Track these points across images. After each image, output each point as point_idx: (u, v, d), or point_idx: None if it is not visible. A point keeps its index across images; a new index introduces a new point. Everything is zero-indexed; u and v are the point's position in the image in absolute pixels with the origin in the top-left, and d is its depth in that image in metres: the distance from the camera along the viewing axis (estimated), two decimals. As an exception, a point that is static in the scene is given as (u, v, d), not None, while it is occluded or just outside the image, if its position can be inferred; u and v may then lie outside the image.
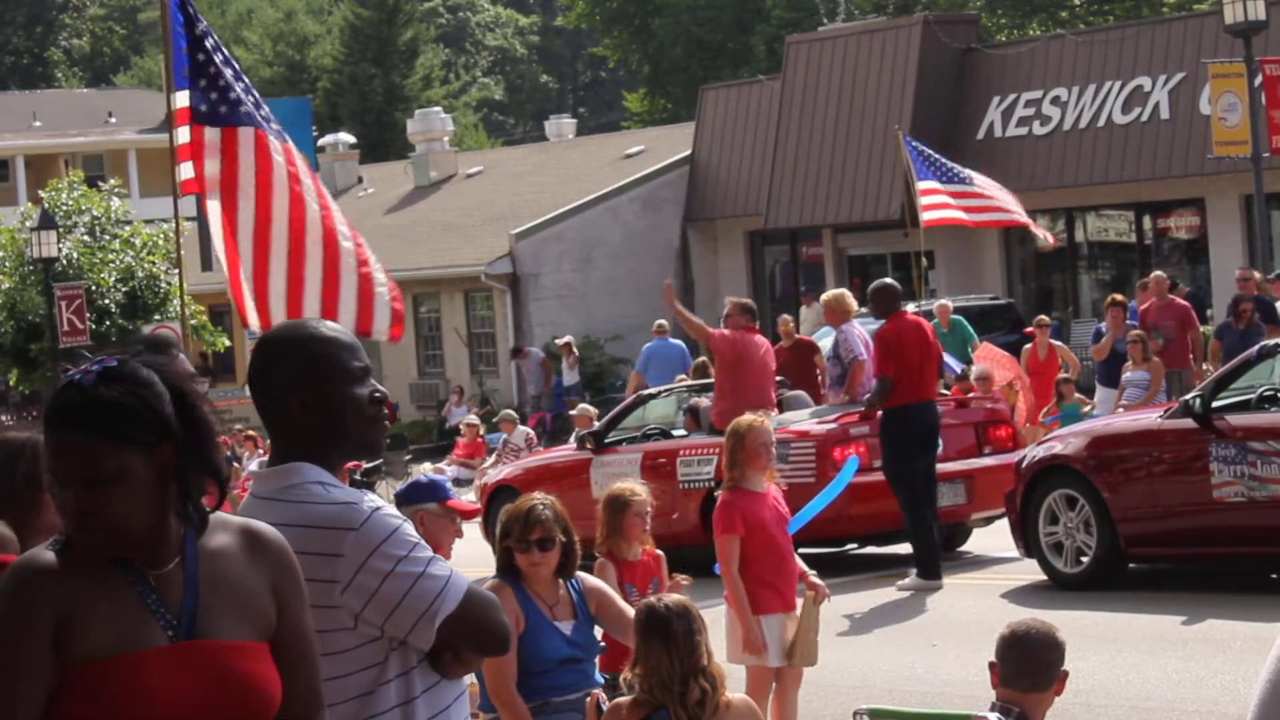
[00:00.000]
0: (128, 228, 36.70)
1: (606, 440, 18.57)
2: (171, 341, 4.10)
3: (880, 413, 15.81)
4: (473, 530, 17.10)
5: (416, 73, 70.83)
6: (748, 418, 10.08)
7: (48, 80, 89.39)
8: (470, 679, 5.48)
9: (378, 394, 4.27)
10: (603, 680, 7.52)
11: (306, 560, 3.83)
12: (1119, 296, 24.14)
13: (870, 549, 17.66)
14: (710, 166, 40.55)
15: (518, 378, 39.08)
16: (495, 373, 40.73)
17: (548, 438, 31.57)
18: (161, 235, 36.20)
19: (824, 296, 19.72)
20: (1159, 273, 24.66)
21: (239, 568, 3.62)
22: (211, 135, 11.18)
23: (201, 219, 11.37)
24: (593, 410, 24.96)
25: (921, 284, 28.65)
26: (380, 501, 4.20)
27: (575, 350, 35.21)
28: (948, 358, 22.12)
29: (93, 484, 3.45)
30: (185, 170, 11.32)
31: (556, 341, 36.05)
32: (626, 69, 70.86)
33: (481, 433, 30.41)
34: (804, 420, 17.10)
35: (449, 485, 7.74)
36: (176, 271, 28.07)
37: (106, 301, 35.28)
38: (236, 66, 11.47)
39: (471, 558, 12.82)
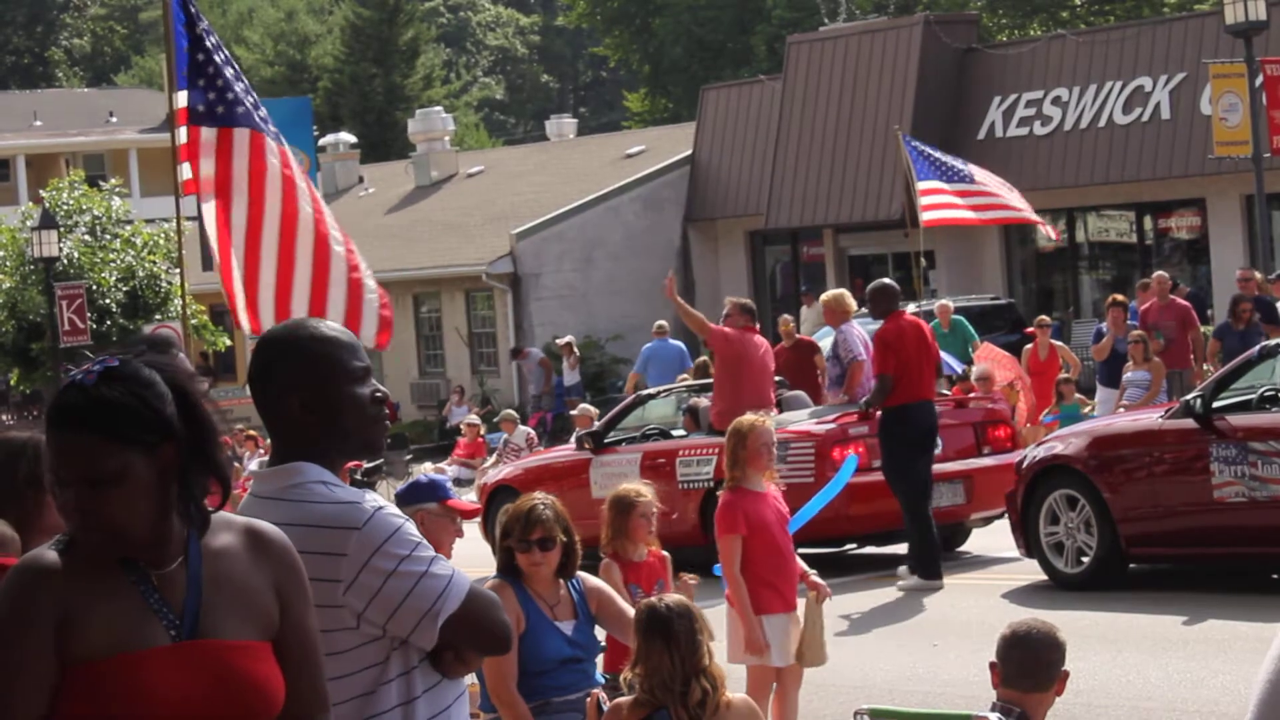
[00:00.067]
0: (128, 227, 36.71)
1: (606, 440, 18.57)
2: (171, 341, 4.11)
3: (879, 413, 15.83)
4: (472, 530, 17.11)
5: (417, 72, 70.83)
6: (749, 418, 10.07)
7: (48, 80, 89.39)
8: (471, 679, 5.48)
9: (379, 394, 4.28)
10: (603, 680, 7.52)
11: (309, 560, 3.82)
12: (1120, 297, 24.15)
13: (869, 549, 17.67)
14: (711, 166, 40.55)
15: (519, 377, 39.08)
16: (496, 372, 40.73)
17: (549, 438, 31.56)
18: (162, 235, 36.21)
19: (823, 297, 19.73)
20: (1160, 273, 24.66)
21: (242, 567, 3.62)
22: (208, 135, 11.19)
23: (200, 219, 11.37)
24: (594, 410, 24.97)
25: (921, 284, 28.66)
26: (382, 501, 4.21)
27: (576, 350, 35.21)
28: (948, 358, 22.15)
29: (94, 484, 3.45)
30: (187, 170, 11.34)
31: (557, 341, 36.05)
32: (627, 69, 70.86)
33: (482, 433, 30.42)
34: (803, 420, 17.11)
35: (449, 485, 7.74)
36: (177, 271, 28.10)
37: (107, 301, 35.28)
38: (236, 67, 11.48)
39: (471, 557, 12.83)
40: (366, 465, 19.54)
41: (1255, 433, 13.58)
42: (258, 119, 11.18)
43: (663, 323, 28.15)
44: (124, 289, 35.69)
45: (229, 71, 11.25)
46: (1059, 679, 6.33)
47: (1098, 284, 35.48)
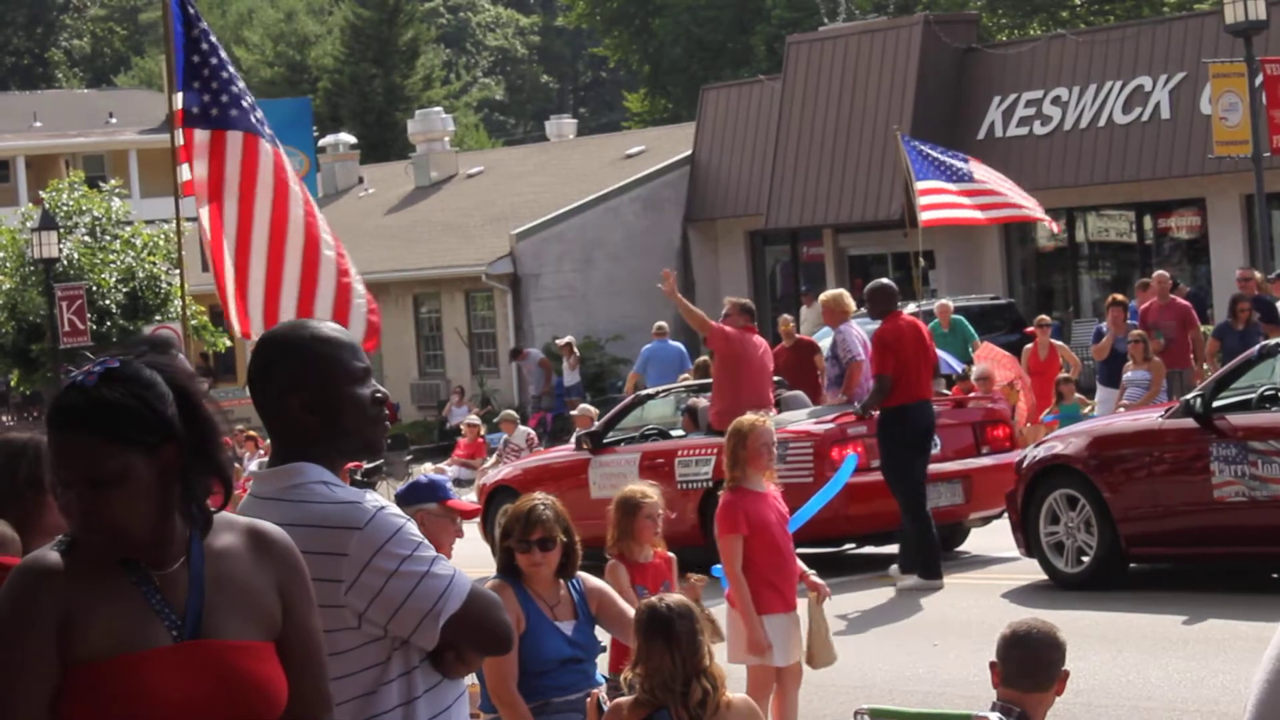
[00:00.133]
0: (128, 228, 36.69)
1: (605, 441, 18.58)
2: (171, 342, 4.11)
3: (878, 413, 15.84)
4: (472, 530, 17.11)
5: (417, 73, 70.81)
6: (749, 418, 10.07)
7: (48, 81, 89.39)
8: (471, 679, 5.49)
9: (379, 394, 4.28)
10: (603, 680, 7.52)
11: (310, 560, 3.82)
12: (1120, 296, 24.16)
13: (868, 549, 17.67)
14: (711, 166, 40.55)
15: (518, 378, 39.08)
16: (496, 373, 40.73)
17: (549, 438, 31.57)
18: (162, 236, 36.20)
19: (822, 297, 19.72)
20: (1160, 272, 24.66)
21: (245, 568, 3.63)
22: (201, 138, 11.21)
23: (199, 222, 11.40)
24: (594, 410, 24.98)
25: (921, 284, 28.66)
26: (383, 501, 4.21)
27: (576, 350, 35.22)
28: (947, 357, 22.16)
29: (95, 485, 3.46)
30: (186, 171, 11.36)
31: (557, 342, 36.05)
32: (627, 69, 70.85)
33: (482, 433, 30.43)
34: (802, 420, 17.11)
35: (449, 485, 7.74)
36: (177, 272, 28.08)
37: (107, 302, 35.27)
38: (232, 69, 11.48)
39: (471, 558, 12.83)
40: (366, 466, 19.55)
41: (1255, 432, 13.58)
42: (253, 121, 11.18)
43: (663, 324, 28.17)
44: (124, 290, 35.68)
45: (225, 74, 11.25)
46: (1059, 679, 6.33)
47: (1098, 284, 35.49)
